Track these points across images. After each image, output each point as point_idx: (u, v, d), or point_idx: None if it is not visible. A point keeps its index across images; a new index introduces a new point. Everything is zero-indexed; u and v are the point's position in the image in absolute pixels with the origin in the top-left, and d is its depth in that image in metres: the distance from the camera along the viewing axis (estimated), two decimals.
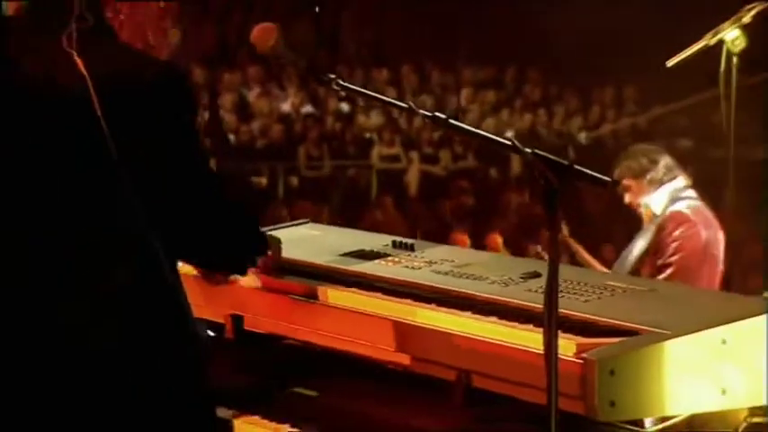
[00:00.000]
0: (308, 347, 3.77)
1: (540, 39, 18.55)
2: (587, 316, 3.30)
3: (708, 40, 4.89)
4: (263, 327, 3.80)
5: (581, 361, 3.07)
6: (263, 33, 3.88)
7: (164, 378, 3.25)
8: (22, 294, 3.21)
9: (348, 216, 14.39)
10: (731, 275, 6.57)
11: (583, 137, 17.64)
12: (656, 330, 3.20)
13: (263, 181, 16.13)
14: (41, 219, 3.23)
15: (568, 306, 3.25)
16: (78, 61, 3.15)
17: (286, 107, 18.01)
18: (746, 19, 4.80)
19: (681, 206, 6.94)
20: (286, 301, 3.74)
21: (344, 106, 18.48)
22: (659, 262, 7.01)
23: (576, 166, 3.17)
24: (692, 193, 6.97)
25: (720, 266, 6.72)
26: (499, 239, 11.70)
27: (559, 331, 3.05)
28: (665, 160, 7.04)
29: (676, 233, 6.92)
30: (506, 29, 19.48)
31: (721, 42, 4.82)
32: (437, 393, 3.41)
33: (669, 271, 6.89)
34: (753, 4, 4.88)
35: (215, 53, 19.79)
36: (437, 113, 3.67)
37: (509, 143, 3.43)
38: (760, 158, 14.49)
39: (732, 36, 4.78)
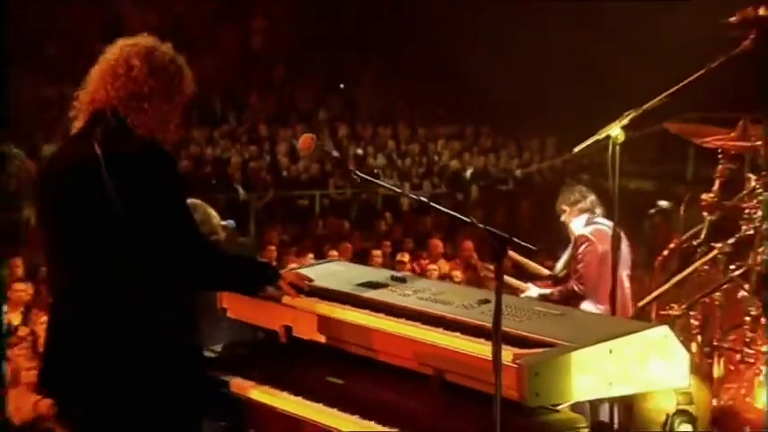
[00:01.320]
0: (336, 350, 3.72)
1: (490, 106, 18.56)
2: (520, 333, 3.26)
3: (599, 136, 4.83)
4: (306, 335, 3.75)
5: (516, 365, 3.05)
6: (306, 141, 3.91)
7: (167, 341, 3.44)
8: (72, 279, 3.45)
9: (362, 225, 14.30)
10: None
11: (518, 173, 17.56)
12: (566, 344, 3.18)
13: (306, 202, 16.08)
14: (77, 235, 3.41)
15: (508, 325, 3.17)
16: (97, 147, 3.35)
17: (321, 152, 17.99)
18: (625, 121, 4.75)
19: (587, 230, 6.78)
20: (320, 318, 3.70)
21: (360, 151, 18.44)
22: (573, 268, 6.93)
23: (513, 239, 3.15)
24: (602, 219, 6.78)
25: (621, 271, 6.33)
26: (470, 244, 11.60)
27: (502, 343, 3.03)
28: (592, 197, 6.88)
29: (581, 249, 6.77)
30: (468, 99, 19.46)
31: (608, 137, 4.77)
32: (420, 383, 3.39)
33: (577, 275, 6.78)
34: (629, 111, 4.82)
35: (274, 115, 19.74)
36: (422, 197, 3.69)
37: (469, 221, 3.37)
38: (633, 188, 14.53)
39: (615, 133, 4.71)
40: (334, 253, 11.12)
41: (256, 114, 19.77)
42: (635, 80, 13.22)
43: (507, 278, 7.40)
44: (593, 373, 3.15)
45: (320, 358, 3.71)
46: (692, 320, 4.77)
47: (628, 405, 4.38)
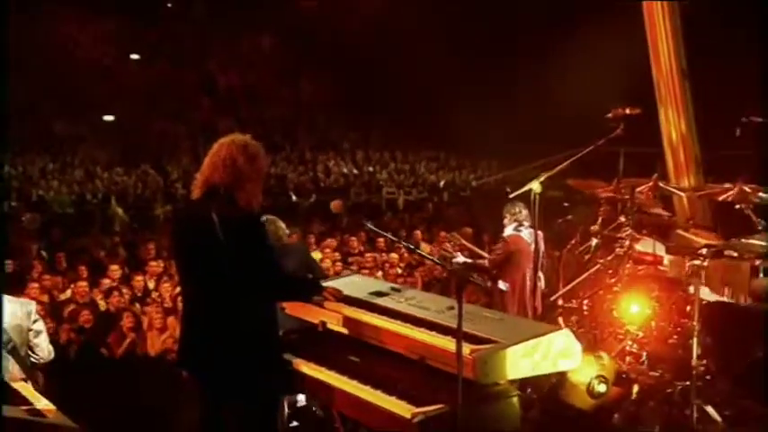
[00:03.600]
0: (355, 339, 3.64)
1: (456, 140, 18.52)
2: (474, 332, 3.22)
3: (525, 189, 4.77)
4: (335, 328, 3.68)
5: (472, 357, 3.04)
6: (337, 205, 3.84)
7: (253, 332, 3.38)
8: (199, 294, 3.42)
9: (372, 220, 14.06)
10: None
11: (474, 184, 17.48)
12: (503, 341, 3.15)
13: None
14: (201, 267, 3.39)
15: (466, 327, 3.10)
16: (213, 213, 3.30)
17: (345, 170, 17.92)
18: (541, 180, 4.68)
19: (509, 234, 6.50)
20: (344, 316, 3.64)
21: (370, 169, 18.36)
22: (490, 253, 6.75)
23: (471, 278, 3.10)
24: (526, 229, 6.43)
25: (527, 264, 6.14)
26: (444, 234, 11.33)
27: (462, 341, 3.01)
28: (525, 212, 6.43)
29: (499, 244, 6.58)
30: (441, 135, 19.41)
31: (531, 189, 4.69)
32: (410, 365, 3.34)
33: (489, 258, 6.58)
34: (542, 174, 4.76)
35: (315, 145, 19.73)
36: (407, 244, 3.63)
37: (437, 260, 3.33)
38: (547, 196, 14.33)
39: (535, 186, 4.61)
40: (354, 238, 11.00)
41: (304, 145, 19.82)
42: (552, 125, 13.29)
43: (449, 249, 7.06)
44: (521, 361, 3.14)
45: (345, 344, 3.65)
46: (584, 307, 4.75)
47: (563, 372, 4.32)
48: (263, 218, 4.80)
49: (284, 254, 4.75)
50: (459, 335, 2.99)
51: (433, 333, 3.31)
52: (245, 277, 3.31)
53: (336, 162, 18.65)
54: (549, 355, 3.20)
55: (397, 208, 15.56)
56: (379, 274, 8.75)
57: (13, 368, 3.72)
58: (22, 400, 2.70)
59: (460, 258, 6.74)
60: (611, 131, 4.75)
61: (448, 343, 3.17)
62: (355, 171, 18.18)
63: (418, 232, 11.62)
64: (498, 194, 14.80)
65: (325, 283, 3.89)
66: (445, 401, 3.02)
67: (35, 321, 4.01)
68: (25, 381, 3.16)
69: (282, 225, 5.19)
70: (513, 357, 3.10)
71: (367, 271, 8.60)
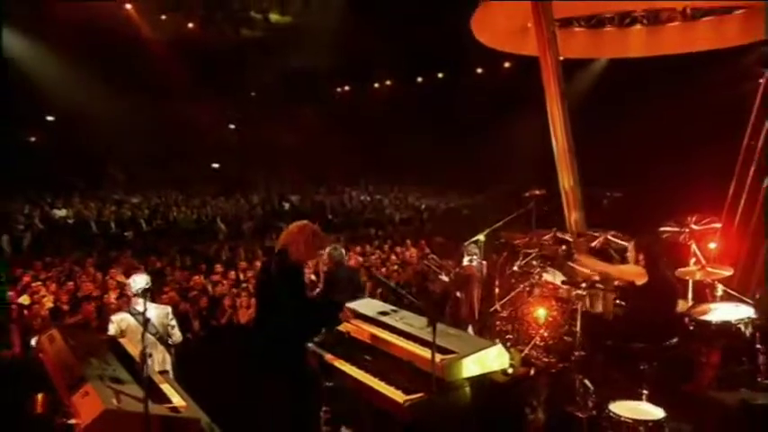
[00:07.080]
0: (369, 344, 3.54)
1: (433, 178, 18.38)
2: (443, 345, 3.12)
3: (474, 239, 4.68)
4: (356, 336, 3.61)
5: (441, 363, 3.00)
6: (354, 258, 3.73)
7: (288, 341, 3.29)
8: (265, 315, 3.33)
9: (380, 231, 13.94)
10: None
11: (443, 208, 17.30)
12: (461, 352, 3.08)
13: (357, 221, 15.65)
14: (269, 298, 3.31)
15: (437, 341, 2.98)
16: (274, 265, 3.20)
17: (362, 198, 17.77)
18: (486, 232, 4.58)
19: (465, 264, 5.98)
20: (359, 329, 3.58)
21: (378, 197, 18.19)
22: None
23: (435, 320, 2.96)
24: (476, 258, 5.85)
25: (476, 284, 5.71)
26: (423, 244, 11.06)
27: (436, 351, 2.94)
28: (476, 250, 5.80)
29: (458, 270, 6.00)
30: (422, 175, 19.26)
31: (479, 239, 4.56)
32: (403, 364, 3.27)
33: (455, 281, 5.99)
34: (488, 228, 4.68)
35: (345, 181, 19.59)
36: (399, 290, 3.56)
37: (414, 299, 3.28)
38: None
39: (481, 237, 4.48)
40: (368, 245, 10.59)
41: (335, 181, 19.66)
42: (493, 171, 13.24)
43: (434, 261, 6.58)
44: (472, 365, 3.10)
45: (362, 347, 3.53)
46: (512, 315, 4.71)
47: None
48: (333, 245, 4.77)
49: (344, 272, 4.64)
50: (433, 348, 2.95)
51: (417, 345, 3.27)
52: (290, 308, 3.31)
53: (357, 192, 18.50)
54: (489, 360, 3.17)
55: (395, 223, 15.40)
56: (383, 269, 8.62)
57: (156, 358, 3.79)
58: (164, 398, 2.69)
59: (444, 277, 6.18)
60: (527, 204, 4.73)
61: (426, 352, 3.12)
62: (368, 198, 18.01)
63: (408, 241, 11.50)
64: (459, 215, 14.82)
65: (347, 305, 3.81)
66: (424, 391, 2.99)
67: (171, 319, 4.21)
68: (163, 374, 3.18)
69: (343, 251, 4.97)
70: (467, 363, 3.08)
71: (374, 268, 8.42)
